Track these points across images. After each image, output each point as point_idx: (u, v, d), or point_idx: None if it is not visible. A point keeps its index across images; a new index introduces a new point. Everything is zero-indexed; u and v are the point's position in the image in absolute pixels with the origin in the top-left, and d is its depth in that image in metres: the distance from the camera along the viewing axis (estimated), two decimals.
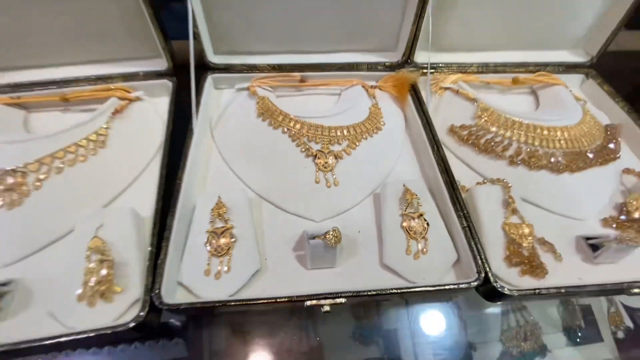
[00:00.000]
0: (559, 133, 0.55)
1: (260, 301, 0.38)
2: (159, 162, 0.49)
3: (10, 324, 0.39)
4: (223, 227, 0.43)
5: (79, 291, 0.38)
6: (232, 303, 0.38)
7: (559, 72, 0.67)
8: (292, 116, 0.54)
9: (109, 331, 0.36)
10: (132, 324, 0.36)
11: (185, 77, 0.54)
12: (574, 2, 0.61)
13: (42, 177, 0.45)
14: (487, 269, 0.42)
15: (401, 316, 0.47)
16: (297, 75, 0.62)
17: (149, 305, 0.38)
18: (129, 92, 0.57)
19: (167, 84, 0.59)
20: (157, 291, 0.38)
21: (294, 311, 0.45)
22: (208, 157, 0.55)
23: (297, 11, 0.57)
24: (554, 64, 0.67)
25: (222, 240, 0.43)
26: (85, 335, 0.35)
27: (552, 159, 0.53)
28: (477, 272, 0.41)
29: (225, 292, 0.41)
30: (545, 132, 0.55)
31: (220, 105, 0.61)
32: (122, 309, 0.39)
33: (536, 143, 0.54)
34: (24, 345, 0.35)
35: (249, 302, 0.38)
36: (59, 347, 0.37)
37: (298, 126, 0.53)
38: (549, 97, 0.64)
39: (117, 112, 0.54)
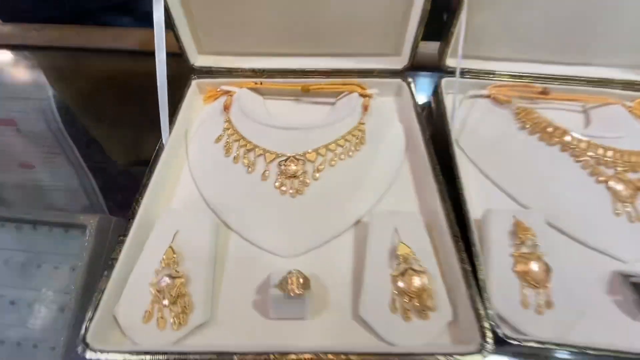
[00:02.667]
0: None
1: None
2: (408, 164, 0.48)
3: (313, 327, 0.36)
4: None
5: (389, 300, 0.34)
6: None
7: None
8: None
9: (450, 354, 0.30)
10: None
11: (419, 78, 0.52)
12: None
13: (321, 167, 0.45)
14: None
15: None
16: (539, 87, 0.56)
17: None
18: (364, 88, 0.56)
19: (399, 83, 0.58)
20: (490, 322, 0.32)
21: None
22: None
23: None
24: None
25: None
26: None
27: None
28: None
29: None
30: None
31: None
32: (435, 330, 0.35)
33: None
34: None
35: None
36: None
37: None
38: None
39: (365, 108, 0.53)
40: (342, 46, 0.58)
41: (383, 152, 0.48)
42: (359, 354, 0.31)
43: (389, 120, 0.53)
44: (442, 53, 0.55)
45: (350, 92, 0.55)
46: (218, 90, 0.58)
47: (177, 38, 0.53)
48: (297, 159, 0.45)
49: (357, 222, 0.43)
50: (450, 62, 0.55)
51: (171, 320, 0.35)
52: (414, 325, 0.35)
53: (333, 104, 0.58)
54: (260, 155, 0.46)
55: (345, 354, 0.31)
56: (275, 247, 0.41)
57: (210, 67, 0.58)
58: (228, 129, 0.50)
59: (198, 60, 0.58)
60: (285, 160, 0.45)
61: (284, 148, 0.46)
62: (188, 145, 0.51)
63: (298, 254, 0.40)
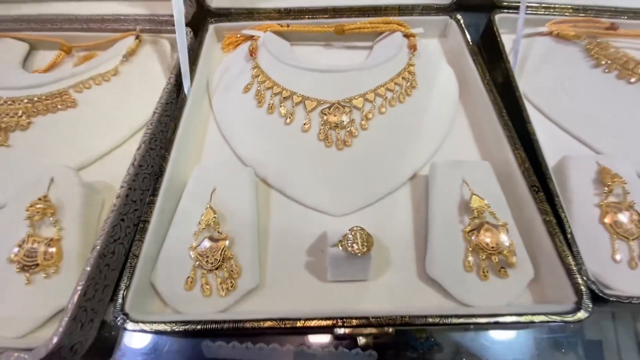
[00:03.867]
0: None
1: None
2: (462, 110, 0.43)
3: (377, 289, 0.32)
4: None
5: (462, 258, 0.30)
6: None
7: None
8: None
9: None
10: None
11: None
12: None
13: (369, 115, 0.39)
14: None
15: None
16: (606, 22, 0.49)
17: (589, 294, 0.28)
18: (407, 27, 0.49)
19: (446, 21, 0.51)
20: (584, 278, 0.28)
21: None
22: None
23: None
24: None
25: None
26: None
27: None
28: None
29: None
30: None
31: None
32: (517, 289, 0.30)
33: None
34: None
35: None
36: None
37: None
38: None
39: (413, 48, 0.46)
40: None
41: (436, 97, 0.42)
42: (440, 316, 0.27)
43: (437, 62, 0.46)
44: None
45: (391, 31, 0.49)
46: (239, 35, 0.52)
47: None
48: (342, 106, 0.39)
49: (414, 176, 0.39)
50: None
51: (217, 286, 0.31)
52: (492, 284, 0.31)
53: (370, 47, 0.51)
54: (299, 103, 0.40)
55: (424, 316, 0.27)
56: (323, 205, 0.36)
57: (228, 9, 0.51)
58: (257, 75, 0.43)
59: (214, 1, 0.51)
60: (329, 107, 0.39)
61: (325, 94, 0.40)
62: (212, 98, 0.45)
63: (349, 212, 0.36)
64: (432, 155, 0.39)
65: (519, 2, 0.46)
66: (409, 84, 0.42)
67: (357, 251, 0.29)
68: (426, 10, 0.50)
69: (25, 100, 0.41)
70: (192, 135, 0.41)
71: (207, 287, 0.31)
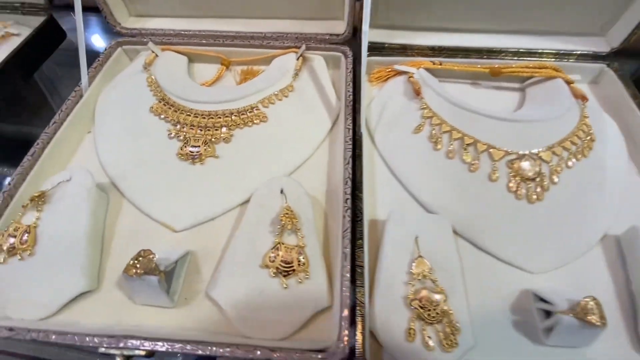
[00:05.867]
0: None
1: None
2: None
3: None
4: None
5: None
6: None
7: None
8: None
9: None
10: None
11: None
12: None
13: (558, 169, 0.38)
14: None
15: None
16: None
17: None
18: (562, 73, 0.49)
19: (602, 69, 0.49)
20: None
21: None
22: None
23: None
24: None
25: None
26: None
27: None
28: None
29: None
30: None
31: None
32: None
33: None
34: None
35: None
36: None
37: None
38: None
39: (583, 99, 0.44)
40: (536, 22, 0.49)
41: (610, 152, 0.42)
42: None
43: (601, 113, 0.46)
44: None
45: (547, 76, 0.49)
46: (389, 69, 0.53)
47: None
48: (532, 158, 0.39)
49: (604, 235, 0.38)
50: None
51: (440, 340, 0.30)
52: None
53: (521, 89, 0.50)
54: (483, 151, 0.40)
55: None
56: (519, 260, 0.36)
57: (382, 44, 0.52)
58: (429, 117, 0.43)
59: (372, 35, 0.49)
60: (519, 159, 0.39)
61: (508, 144, 0.40)
62: (374, 134, 0.45)
63: (547, 270, 0.36)
64: (616, 214, 0.38)
65: None
66: (588, 137, 0.41)
67: (597, 322, 0.29)
68: (582, 57, 0.50)
69: (226, 115, 0.44)
70: (368, 173, 0.41)
71: (430, 340, 0.31)
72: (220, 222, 0.39)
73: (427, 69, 0.50)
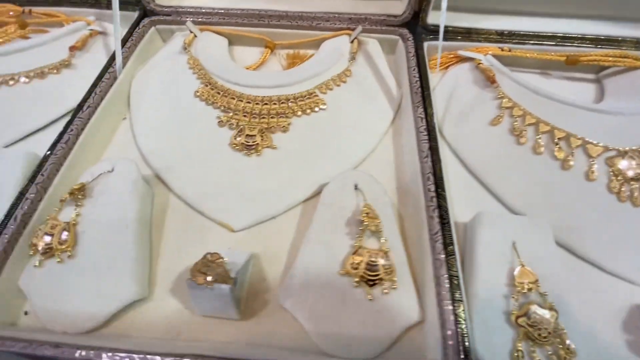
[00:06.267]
0: None
1: None
2: None
3: None
4: None
5: None
6: None
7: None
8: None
9: None
10: None
11: None
12: None
13: None
14: None
15: None
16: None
17: None
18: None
19: None
20: None
21: None
22: None
23: None
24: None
25: None
26: None
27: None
28: None
29: None
30: None
31: None
32: None
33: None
34: None
35: None
36: None
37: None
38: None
39: None
40: (618, 6, 0.44)
41: None
42: None
43: None
44: None
45: (630, 67, 0.44)
46: (451, 55, 0.48)
47: None
48: (633, 157, 0.34)
49: None
50: None
51: None
52: None
53: (596, 81, 0.45)
54: (578, 146, 0.35)
55: None
56: (628, 273, 0.31)
57: (446, 27, 0.46)
58: (508, 107, 0.39)
59: (430, 17, 0.46)
60: (620, 156, 0.34)
61: (604, 138, 0.35)
62: (442, 126, 0.41)
63: None
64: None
65: None
66: None
67: None
68: None
69: (282, 101, 0.39)
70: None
71: None
72: (282, 220, 0.34)
73: (495, 56, 0.46)
